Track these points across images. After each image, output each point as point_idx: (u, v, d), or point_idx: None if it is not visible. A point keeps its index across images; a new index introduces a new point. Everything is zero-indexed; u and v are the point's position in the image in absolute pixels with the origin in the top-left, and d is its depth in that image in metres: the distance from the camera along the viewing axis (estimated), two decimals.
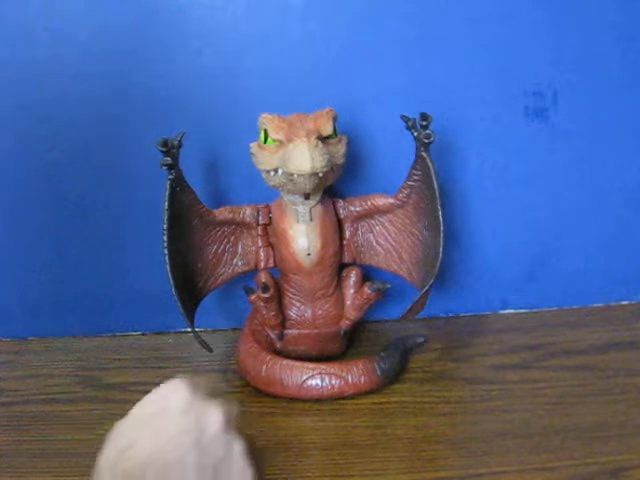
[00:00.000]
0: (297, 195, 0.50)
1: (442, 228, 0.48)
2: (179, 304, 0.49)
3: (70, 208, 0.60)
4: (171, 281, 0.48)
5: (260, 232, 0.54)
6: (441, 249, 0.49)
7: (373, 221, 0.55)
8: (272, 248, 0.55)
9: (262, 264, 0.55)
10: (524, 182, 0.60)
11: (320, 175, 0.46)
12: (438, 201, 0.48)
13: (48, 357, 0.61)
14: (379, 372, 0.51)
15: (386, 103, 0.57)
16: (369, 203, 0.54)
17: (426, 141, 0.48)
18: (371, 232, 0.56)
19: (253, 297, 0.52)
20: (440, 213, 0.48)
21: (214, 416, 0.33)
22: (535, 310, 0.64)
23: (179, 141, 0.48)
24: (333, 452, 0.45)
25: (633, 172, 0.61)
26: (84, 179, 0.59)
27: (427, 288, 0.50)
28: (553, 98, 0.58)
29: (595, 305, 0.64)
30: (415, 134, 0.49)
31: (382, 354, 0.52)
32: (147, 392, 0.55)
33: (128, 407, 0.53)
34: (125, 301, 0.63)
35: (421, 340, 0.55)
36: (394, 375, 0.52)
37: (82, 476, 0.45)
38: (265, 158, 0.48)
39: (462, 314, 0.64)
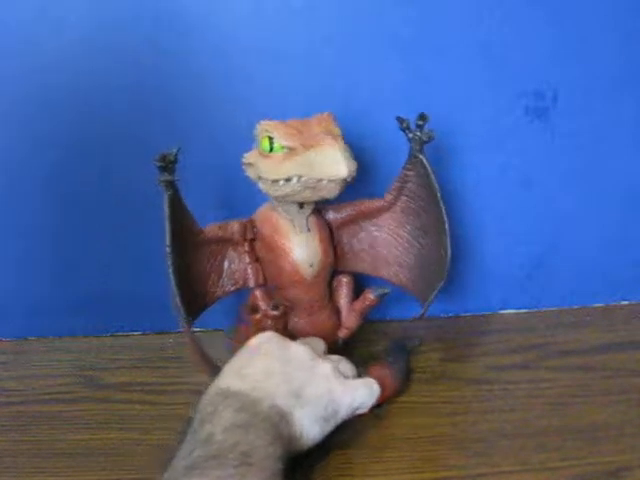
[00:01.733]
0: (293, 205, 0.48)
1: (446, 227, 0.48)
2: (187, 326, 0.47)
3: (70, 208, 0.60)
4: (179, 303, 0.46)
5: (247, 248, 0.51)
6: (449, 250, 0.48)
7: (357, 226, 0.54)
8: (260, 264, 0.52)
9: (252, 282, 0.52)
10: (524, 182, 0.60)
11: (349, 179, 0.45)
12: (440, 202, 0.48)
13: (48, 357, 0.61)
14: (392, 378, 0.50)
15: (385, 104, 0.56)
16: (354, 208, 0.53)
17: (426, 140, 0.48)
18: (355, 237, 0.55)
19: (259, 316, 0.50)
20: (444, 212, 0.48)
21: (295, 344, 0.44)
22: (535, 310, 0.64)
23: (175, 156, 0.45)
24: (333, 452, 0.45)
25: (633, 172, 0.61)
26: (84, 179, 0.59)
27: (437, 290, 0.50)
28: (553, 98, 0.58)
29: (595, 305, 0.64)
30: (410, 135, 0.49)
31: (389, 359, 0.52)
32: (147, 392, 0.56)
33: (128, 407, 0.54)
34: (125, 301, 0.63)
35: (417, 342, 0.55)
36: (405, 378, 0.52)
37: (82, 476, 0.45)
38: (272, 167, 0.46)
39: (462, 314, 0.64)
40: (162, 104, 0.57)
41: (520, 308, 0.64)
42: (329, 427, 0.42)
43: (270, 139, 0.45)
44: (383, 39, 0.56)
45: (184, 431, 0.39)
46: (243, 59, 0.56)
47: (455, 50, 0.56)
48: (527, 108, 0.58)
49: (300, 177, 0.45)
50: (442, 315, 0.64)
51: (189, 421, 0.39)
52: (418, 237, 0.52)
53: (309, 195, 0.46)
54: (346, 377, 0.45)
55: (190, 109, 0.57)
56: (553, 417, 0.48)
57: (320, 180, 0.44)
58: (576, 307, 0.64)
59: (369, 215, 0.54)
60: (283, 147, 0.45)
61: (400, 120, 0.49)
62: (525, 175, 0.60)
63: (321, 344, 0.48)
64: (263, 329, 0.49)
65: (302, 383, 0.42)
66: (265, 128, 0.46)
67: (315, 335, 0.51)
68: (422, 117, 0.48)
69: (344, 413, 0.43)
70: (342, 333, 0.53)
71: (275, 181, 0.46)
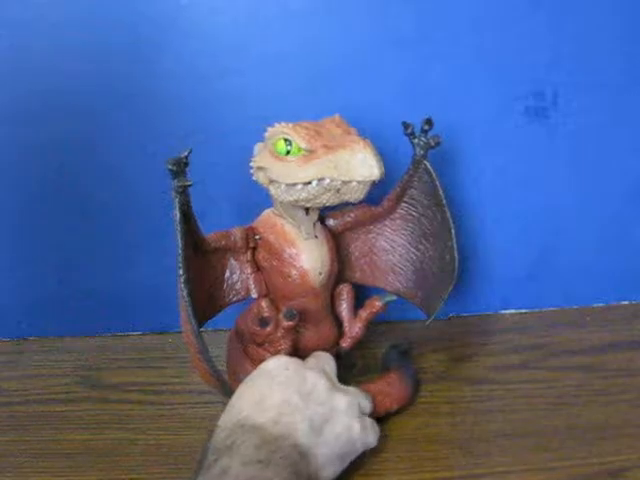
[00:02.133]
0: (300, 211, 0.47)
1: (453, 233, 0.48)
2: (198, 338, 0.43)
3: (70, 208, 0.60)
4: (191, 315, 0.42)
5: (249, 257, 0.49)
6: (456, 255, 0.48)
7: (354, 234, 0.54)
8: (261, 274, 0.50)
9: (255, 292, 0.50)
10: (524, 182, 0.60)
11: (377, 181, 0.44)
12: (446, 208, 0.48)
13: (48, 357, 0.61)
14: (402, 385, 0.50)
15: (385, 105, 0.56)
16: (353, 216, 0.52)
17: (433, 145, 0.47)
18: (352, 245, 0.54)
19: (269, 329, 0.48)
20: (449, 218, 0.48)
21: (312, 372, 0.43)
22: (535, 310, 0.64)
23: (187, 158, 0.42)
24: None
25: (633, 172, 0.61)
26: (84, 179, 0.59)
27: (446, 296, 0.49)
28: (553, 98, 0.58)
29: (595, 305, 0.64)
30: (415, 141, 0.48)
31: (394, 365, 0.52)
32: (147, 392, 0.56)
33: (128, 407, 0.54)
34: (125, 301, 0.63)
35: (406, 346, 0.54)
36: (415, 382, 0.52)
37: (82, 476, 0.45)
38: (290, 170, 0.44)
39: (462, 314, 0.64)
40: (160, 104, 0.57)
41: (520, 308, 0.64)
42: (344, 465, 0.42)
43: (287, 141, 0.44)
44: (383, 41, 0.56)
45: (199, 462, 0.38)
46: (242, 61, 0.56)
47: (455, 50, 0.56)
48: (527, 108, 0.58)
49: (322, 180, 0.43)
50: (442, 315, 0.64)
51: (203, 452, 0.38)
52: (417, 244, 0.52)
53: (327, 199, 0.44)
54: (363, 413, 0.44)
55: (188, 110, 0.57)
56: (553, 417, 0.48)
57: (348, 182, 0.43)
58: (576, 307, 0.64)
59: (367, 222, 0.53)
60: (301, 149, 0.43)
61: (405, 125, 0.48)
62: (525, 175, 0.60)
63: (332, 362, 0.47)
64: (274, 342, 0.48)
65: (322, 420, 0.41)
66: (281, 130, 0.44)
67: (319, 346, 0.50)
68: (428, 122, 0.47)
69: (358, 452, 0.43)
70: (346, 343, 0.52)
71: (291, 185, 0.44)
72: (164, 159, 0.43)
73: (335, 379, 0.45)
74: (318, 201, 0.45)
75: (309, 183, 0.43)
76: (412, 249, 0.53)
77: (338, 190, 0.43)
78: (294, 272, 0.48)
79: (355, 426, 0.42)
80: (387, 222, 0.53)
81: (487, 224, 0.62)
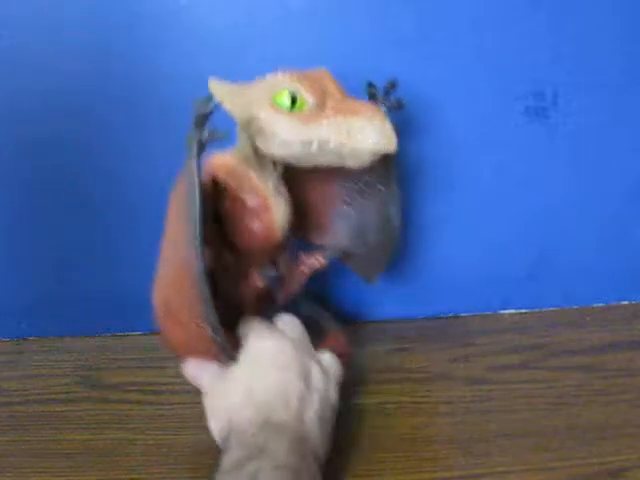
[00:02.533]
0: (270, 164, 0.44)
1: (398, 197, 0.49)
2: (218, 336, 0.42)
3: (69, 208, 0.60)
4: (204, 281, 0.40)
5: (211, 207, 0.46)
6: (399, 221, 0.49)
7: (291, 190, 0.49)
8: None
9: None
10: (524, 182, 0.60)
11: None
12: (393, 170, 0.48)
13: (48, 357, 0.61)
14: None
15: None
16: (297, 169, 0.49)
17: (397, 106, 0.47)
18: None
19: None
20: (395, 181, 0.49)
21: (308, 361, 0.43)
22: (535, 310, 0.64)
23: (211, 111, 0.39)
24: (333, 452, 0.45)
25: (633, 172, 0.61)
26: (84, 178, 0.59)
27: (387, 260, 0.50)
28: (553, 98, 0.58)
29: (595, 305, 0.64)
30: (377, 102, 0.47)
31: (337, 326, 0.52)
32: (146, 392, 0.56)
33: (128, 407, 0.54)
34: (125, 301, 0.63)
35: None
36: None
37: (82, 476, 0.45)
38: (293, 126, 0.40)
39: (462, 314, 0.64)
40: (159, 105, 0.57)
41: (520, 308, 0.64)
42: None
43: (292, 95, 0.40)
44: (383, 41, 0.56)
45: (220, 456, 0.38)
46: (242, 61, 0.56)
47: (455, 50, 0.56)
48: (527, 108, 0.58)
49: (327, 142, 0.40)
50: (442, 315, 0.64)
51: (225, 443, 0.39)
52: (353, 201, 0.51)
53: (324, 160, 0.42)
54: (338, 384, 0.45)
55: (187, 111, 0.57)
56: (553, 417, 0.48)
57: (361, 149, 0.40)
58: (576, 307, 0.64)
59: (303, 177, 0.49)
60: (307, 106, 0.40)
61: (369, 85, 0.47)
62: (525, 174, 0.60)
63: (302, 327, 0.46)
64: (248, 307, 0.47)
65: (325, 416, 0.42)
66: (287, 82, 0.41)
67: (260, 301, 0.48)
68: (392, 84, 0.46)
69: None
70: (283, 300, 0.50)
71: (289, 141, 0.41)
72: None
73: (311, 347, 0.45)
74: (311, 160, 0.42)
75: (310, 142, 0.40)
76: (348, 208, 0.52)
77: (342, 155, 0.41)
78: (260, 225, 0.45)
79: (334, 408, 0.43)
80: (323, 175, 0.50)
81: (487, 224, 0.62)
